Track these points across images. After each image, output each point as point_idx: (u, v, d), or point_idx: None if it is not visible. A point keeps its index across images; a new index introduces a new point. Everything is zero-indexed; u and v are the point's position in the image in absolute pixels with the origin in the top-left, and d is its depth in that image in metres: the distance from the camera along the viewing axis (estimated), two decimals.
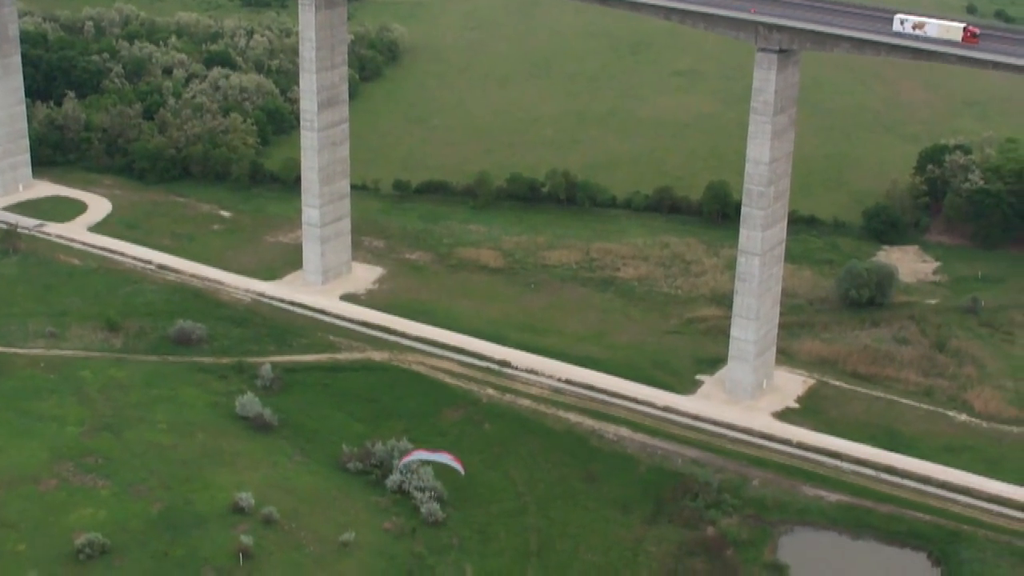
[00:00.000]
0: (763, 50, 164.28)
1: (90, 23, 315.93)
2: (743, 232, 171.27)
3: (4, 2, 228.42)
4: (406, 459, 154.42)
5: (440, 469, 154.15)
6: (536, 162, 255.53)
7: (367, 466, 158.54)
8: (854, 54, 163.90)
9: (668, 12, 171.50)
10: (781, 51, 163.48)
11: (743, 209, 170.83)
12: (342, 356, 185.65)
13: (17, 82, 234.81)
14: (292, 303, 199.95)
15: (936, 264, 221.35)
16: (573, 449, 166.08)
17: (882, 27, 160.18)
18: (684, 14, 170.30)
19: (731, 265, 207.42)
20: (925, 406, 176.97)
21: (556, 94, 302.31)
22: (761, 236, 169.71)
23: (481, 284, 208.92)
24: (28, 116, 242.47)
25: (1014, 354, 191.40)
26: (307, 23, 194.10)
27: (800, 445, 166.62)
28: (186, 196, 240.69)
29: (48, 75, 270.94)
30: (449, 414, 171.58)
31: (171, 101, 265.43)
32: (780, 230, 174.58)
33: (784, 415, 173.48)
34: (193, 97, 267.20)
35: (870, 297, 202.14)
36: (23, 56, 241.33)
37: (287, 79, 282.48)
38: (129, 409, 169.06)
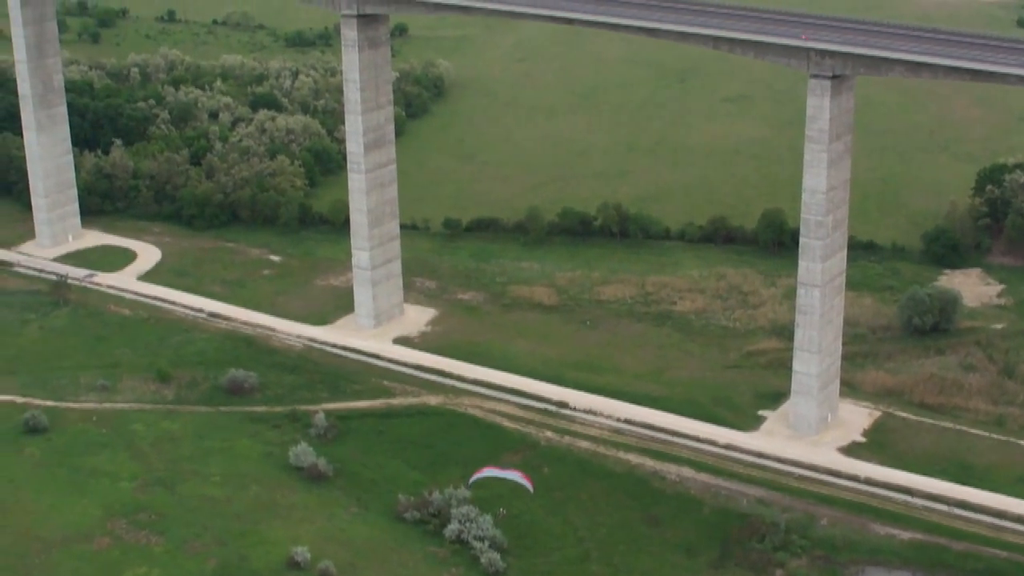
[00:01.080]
0: (816, 77, 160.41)
1: (135, 70, 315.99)
2: (802, 264, 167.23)
3: (49, 53, 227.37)
4: (476, 476, 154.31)
5: (500, 520, 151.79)
6: (587, 195, 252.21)
7: (424, 515, 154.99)
8: (909, 77, 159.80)
9: (716, 41, 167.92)
10: (834, 77, 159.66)
11: (801, 240, 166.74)
12: (396, 401, 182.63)
13: (64, 132, 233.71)
14: (344, 348, 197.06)
15: (1000, 287, 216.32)
16: (635, 492, 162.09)
17: (938, 48, 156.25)
18: (733, 43, 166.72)
19: (789, 295, 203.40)
20: (996, 436, 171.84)
21: (604, 124, 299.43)
22: (821, 267, 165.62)
23: (536, 323, 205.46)
24: (76, 165, 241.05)
25: None
26: (351, 64, 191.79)
27: (868, 481, 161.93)
28: (235, 241, 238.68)
29: (95, 123, 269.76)
30: (507, 459, 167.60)
31: (218, 145, 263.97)
32: (840, 260, 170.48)
33: (851, 450, 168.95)
34: (240, 141, 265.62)
35: (934, 323, 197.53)
36: (69, 105, 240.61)
37: (333, 119, 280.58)
38: (182, 462, 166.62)
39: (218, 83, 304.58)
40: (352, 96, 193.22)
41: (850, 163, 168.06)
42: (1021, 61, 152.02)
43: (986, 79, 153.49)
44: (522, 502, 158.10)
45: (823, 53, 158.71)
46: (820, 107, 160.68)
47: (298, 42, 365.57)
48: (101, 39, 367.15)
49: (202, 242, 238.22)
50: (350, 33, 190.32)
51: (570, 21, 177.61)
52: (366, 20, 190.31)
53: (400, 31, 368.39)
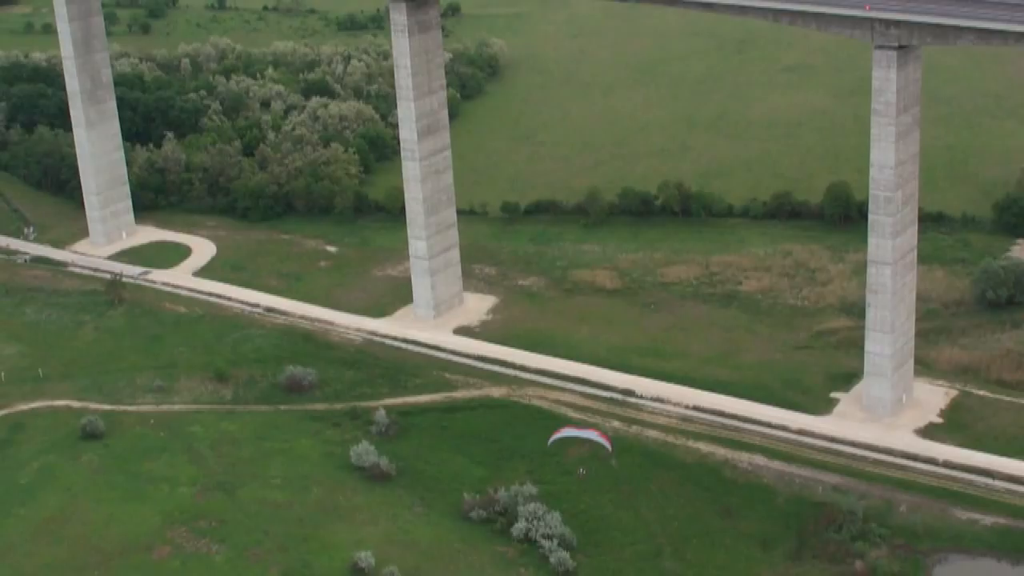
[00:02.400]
0: (881, 47, 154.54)
1: (186, 60, 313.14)
2: (872, 241, 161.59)
3: (96, 48, 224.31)
4: (555, 436, 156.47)
5: (568, 516, 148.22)
6: (647, 173, 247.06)
7: (491, 514, 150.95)
8: (980, 45, 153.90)
9: (777, 14, 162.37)
10: (900, 47, 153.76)
11: (870, 216, 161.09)
12: (459, 394, 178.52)
13: (114, 128, 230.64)
14: (404, 340, 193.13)
15: None
16: (706, 482, 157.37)
17: (1009, 14, 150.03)
18: (794, 15, 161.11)
19: (858, 271, 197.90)
20: None
21: (662, 99, 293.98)
22: (892, 244, 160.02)
23: (599, 308, 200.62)
24: (128, 160, 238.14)
25: None
26: (401, 50, 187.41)
27: (947, 464, 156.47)
28: (291, 233, 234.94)
29: (146, 117, 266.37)
30: (574, 451, 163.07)
31: (270, 135, 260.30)
32: (911, 236, 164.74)
33: (928, 432, 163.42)
34: (292, 129, 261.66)
35: (1009, 296, 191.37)
36: (120, 99, 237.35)
37: (387, 103, 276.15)
38: (242, 465, 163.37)
39: (269, 71, 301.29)
40: (404, 82, 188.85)
41: (918, 136, 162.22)
42: None
43: None
44: (591, 497, 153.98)
45: (887, 23, 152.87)
46: (887, 79, 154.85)
47: (350, 26, 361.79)
48: (152, 30, 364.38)
49: (257, 235, 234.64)
50: (400, 17, 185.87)
51: None
52: (416, 3, 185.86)
53: (453, 10, 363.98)
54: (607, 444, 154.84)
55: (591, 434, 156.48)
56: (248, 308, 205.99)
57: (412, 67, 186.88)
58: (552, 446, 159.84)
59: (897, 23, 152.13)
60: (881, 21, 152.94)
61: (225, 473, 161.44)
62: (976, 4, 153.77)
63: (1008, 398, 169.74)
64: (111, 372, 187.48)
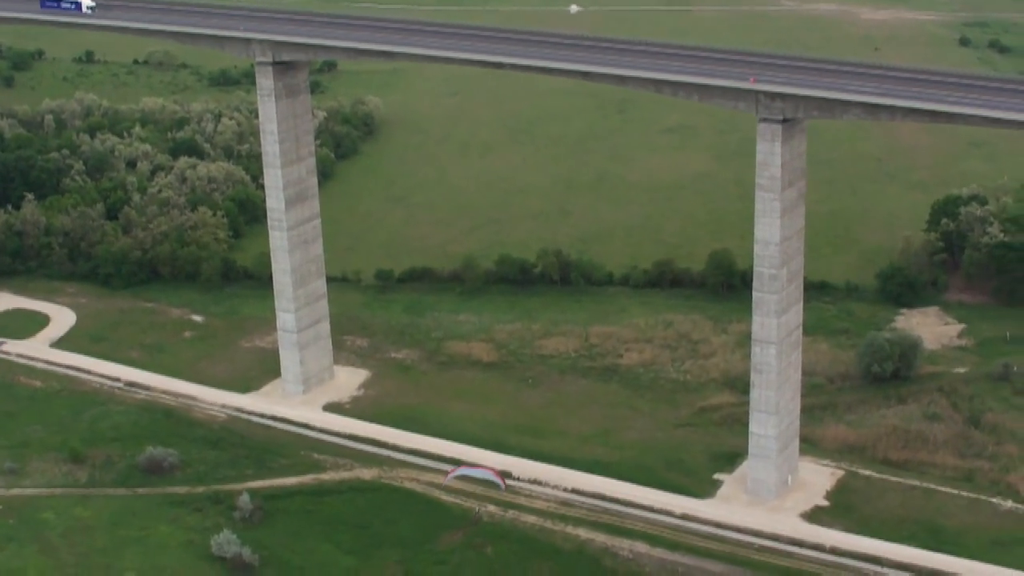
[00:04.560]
0: (765, 120, 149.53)
1: (50, 116, 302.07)
2: (756, 319, 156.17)
3: None
4: (452, 475, 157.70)
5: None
6: (525, 237, 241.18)
7: None
8: (867, 120, 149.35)
9: (658, 84, 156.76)
10: (785, 120, 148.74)
11: (755, 294, 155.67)
12: (327, 476, 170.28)
13: None
14: (271, 418, 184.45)
15: (960, 326, 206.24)
16: (585, 572, 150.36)
17: (897, 88, 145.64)
18: (676, 86, 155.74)
19: (741, 343, 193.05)
20: (966, 493, 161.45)
21: (541, 160, 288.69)
22: (776, 323, 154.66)
23: (474, 382, 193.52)
24: None
25: None
26: (268, 115, 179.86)
27: (834, 551, 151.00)
28: (155, 301, 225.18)
29: (5, 177, 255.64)
30: (447, 538, 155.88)
31: (136, 198, 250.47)
32: (796, 314, 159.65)
33: (814, 516, 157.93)
34: (159, 191, 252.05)
35: (895, 370, 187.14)
36: None
37: (259, 164, 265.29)
38: (95, 555, 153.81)
39: (137, 129, 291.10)
40: (270, 148, 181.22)
41: (804, 211, 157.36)
42: (982, 100, 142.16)
43: (947, 120, 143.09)
44: None
45: (772, 95, 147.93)
46: (771, 153, 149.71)
47: (222, 81, 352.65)
48: (15, 83, 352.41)
49: (120, 303, 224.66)
50: (266, 82, 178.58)
51: (500, 65, 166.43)
52: (283, 67, 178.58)
53: (328, 66, 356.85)
54: (500, 483, 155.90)
55: (486, 473, 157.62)
56: (108, 382, 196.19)
57: (279, 133, 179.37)
58: (421, 533, 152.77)
59: (783, 96, 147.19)
60: (766, 94, 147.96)
61: (77, 566, 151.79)
62: (861, 77, 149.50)
63: (895, 478, 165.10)
64: None
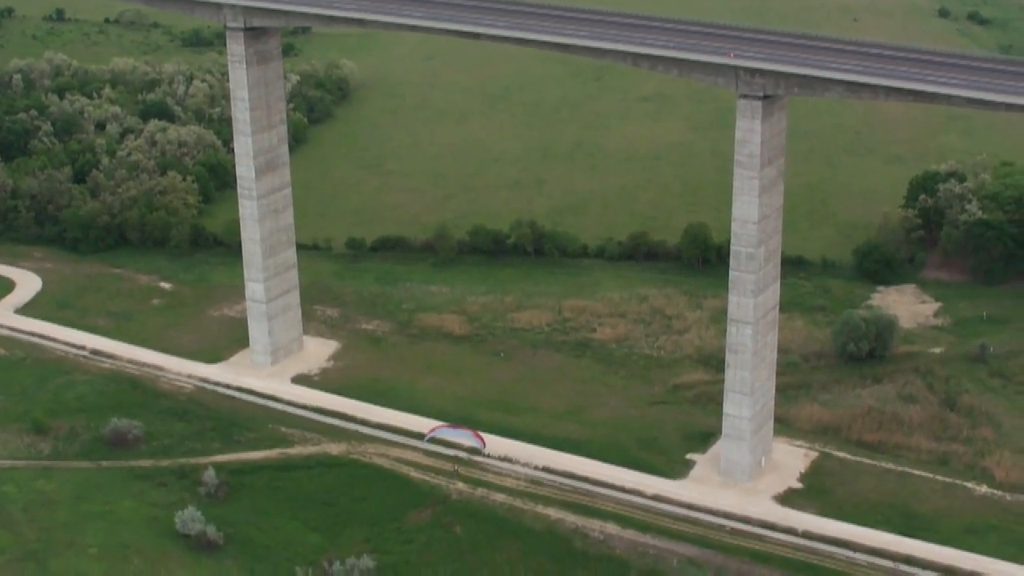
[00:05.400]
0: (745, 97, 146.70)
1: (18, 76, 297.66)
2: (732, 299, 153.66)
3: None
4: (430, 434, 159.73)
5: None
6: (499, 207, 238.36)
7: None
8: (848, 98, 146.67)
9: (636, 58, 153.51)
10: (765, 97, 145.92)
11: (731, 273, 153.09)
12: (295, 451, 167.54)
13: None
14: (239, 389, 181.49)
15: (937, 305, 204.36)
16: (555, 552, 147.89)
17: (878, 66, 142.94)
18: (655, 60, 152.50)
19: (716, 318, 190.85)
20: (941, 477, 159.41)
21: (517, 127, 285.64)
22: (753, 303, 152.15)
23: (446, 355, 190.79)
24: None
25: None
26: (239, 81, 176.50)
27: (807, 535, 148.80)
28: (123, 267, 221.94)
29: None
30: (415, 516, 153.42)
31: (104, 161, 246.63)
32: (773, 294, 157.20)
33: (787, 498, 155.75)
34: (128, 155, 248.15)
35: (870, 350, 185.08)
36: None
37: (230, 129, 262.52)
38: (57, 531, 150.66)
39: (107, 90, 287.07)
40: (241, 116, 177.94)
41: (783, 189, 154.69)
42: (965, 80, 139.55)
43: (929, 100, 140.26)
44: (432, 570, 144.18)
45: (753, 71, 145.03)
46: (750, 130, 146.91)
47: (195, 42, 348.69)
48: None
49: (87, 268, 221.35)
50: (237, 48, 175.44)
51: (476, 36, 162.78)
52: (255, 33, 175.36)
53: (302, 29, 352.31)
54: (480, 444, 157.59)
55: (465, 433, 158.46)
56: (73, 351, 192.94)
57: (250, 100, 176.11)
58: (388, 510, 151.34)
59: (763, 72, 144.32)
60: (746, 70, 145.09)
61: (38, 540, 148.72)
62: (843, 54, 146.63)
63: (869, 461, 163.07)
64: None
